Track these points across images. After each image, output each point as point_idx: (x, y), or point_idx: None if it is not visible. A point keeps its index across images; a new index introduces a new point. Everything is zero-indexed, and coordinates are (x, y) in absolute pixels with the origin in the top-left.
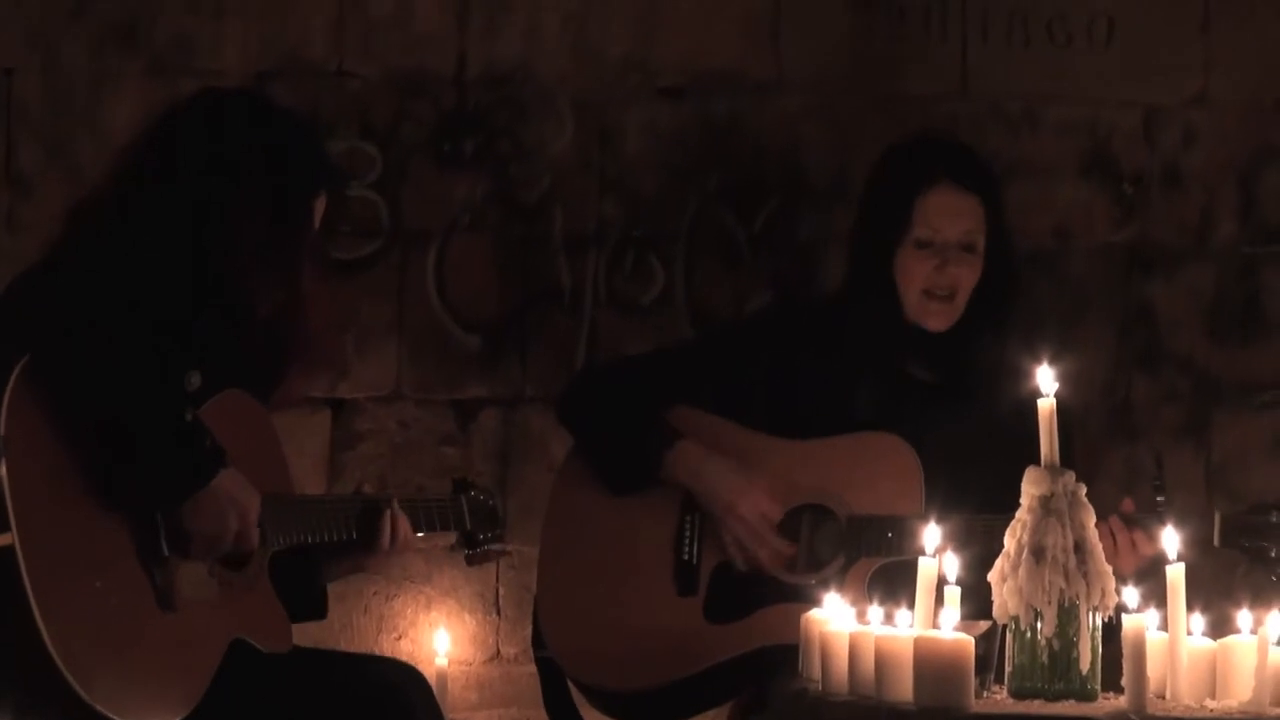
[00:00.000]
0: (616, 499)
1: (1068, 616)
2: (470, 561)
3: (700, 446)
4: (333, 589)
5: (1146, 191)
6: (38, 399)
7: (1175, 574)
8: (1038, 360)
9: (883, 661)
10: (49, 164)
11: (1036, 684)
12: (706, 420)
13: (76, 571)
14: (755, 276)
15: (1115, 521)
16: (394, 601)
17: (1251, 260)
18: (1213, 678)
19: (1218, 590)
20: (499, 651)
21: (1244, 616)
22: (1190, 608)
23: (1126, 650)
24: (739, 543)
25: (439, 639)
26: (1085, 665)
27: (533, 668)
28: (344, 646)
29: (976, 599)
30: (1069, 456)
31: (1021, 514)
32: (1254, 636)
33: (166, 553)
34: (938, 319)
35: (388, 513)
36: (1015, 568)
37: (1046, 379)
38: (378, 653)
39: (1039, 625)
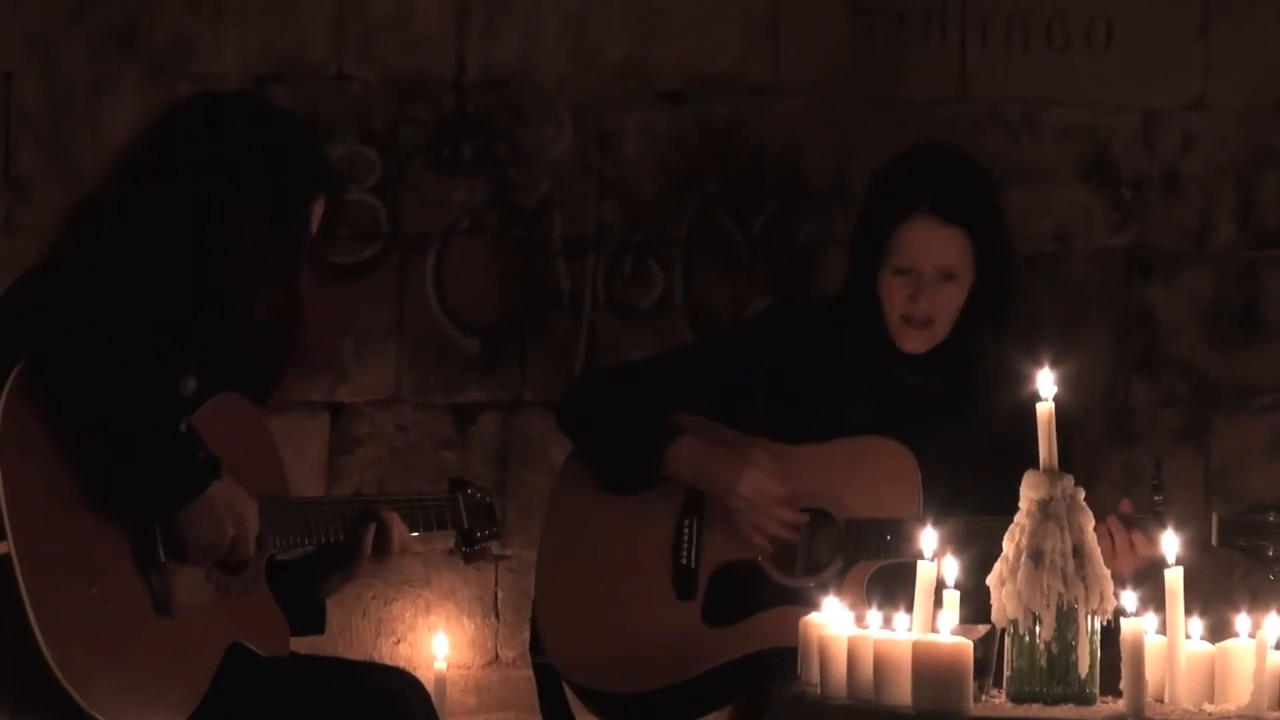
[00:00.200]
0: (615, 502)
1: (1066, 620)
2: (467, 560)
3: (700, 441)
4: None
5: (1146, 195)
6: (34, 403)
7: (1174, 578)
8: (1037, 364)
9: (881, 665)
10: (48, 166)
11: (1035, 688)
12: (705, 426)
13: (73, 577)
14: (754, 280)
15: (1114, 522)
16: (392, 605)
17: (1251, 264)
18: (1211, 681)
19: (1216, 594)
20: (497, 655)
21: (1242, 620)
22: (1189, 611)
23: (1125, 654)
24: (750, 523)
25: (437, 643)
26: (1084, 669)
27: (531, 672)
28: (343, 651)
29: (975, 603)
30: (1068, 460)
31: (1020, 518)
32: (1252, 640)
33: (163, 558)
34: (914, 343)
35: (372, 526)
36: (1014, 571)
37: (1045, 383)
38: (376, 657)
39: (1037, 629)
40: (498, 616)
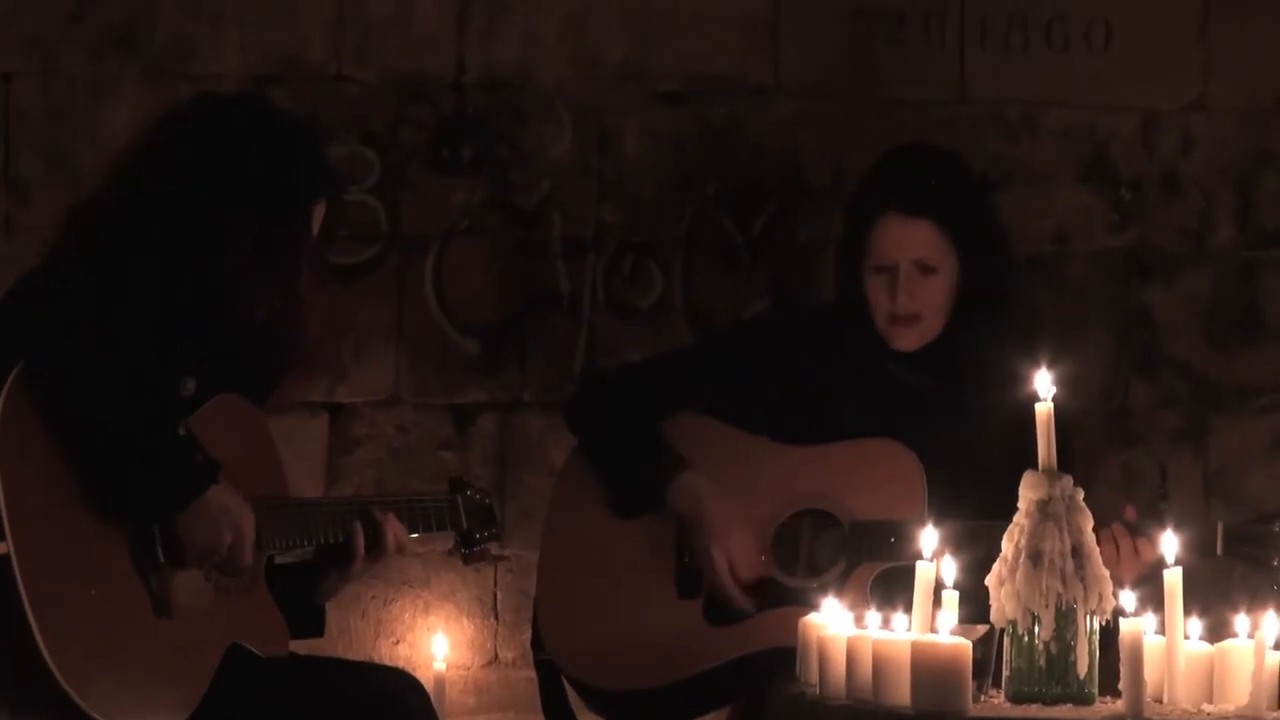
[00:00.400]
0: None
1: (1065, 620)
2: (466, 561)
3: (704, 480)
4: None
5: (1145, 196)
6: (34, 404)
7: (1172, 578)
8: (1036, 365)
9: (880, 666)
10: (47, 168)
11: (1034, 688)
12: (710, 426)
13: (72, 579)
14: (754, 280)
15: (1118, 529)
16: (392, 606)
17: (1250, 264)
18: (1210, 682)
19: (1215, 594)
20: (497, 656)
21: (1241, 620)
22: (1187, 612)
23: (1124, 654)
24: (711, 577)
25: (437, 643)
26: (1083, 669)
27: (530, 672)
28: (342, 651)
29: (974, 603)
30: (1067, 461)
31: (1019, 518)
32: (1251, 640)
33: (162, 560)
34: (905, 340)
35: (366, 526)
36: (1013, 572)
37: (1045, 383)
38: (375, 657)
39: (1036, 629)
40: (497, 617)
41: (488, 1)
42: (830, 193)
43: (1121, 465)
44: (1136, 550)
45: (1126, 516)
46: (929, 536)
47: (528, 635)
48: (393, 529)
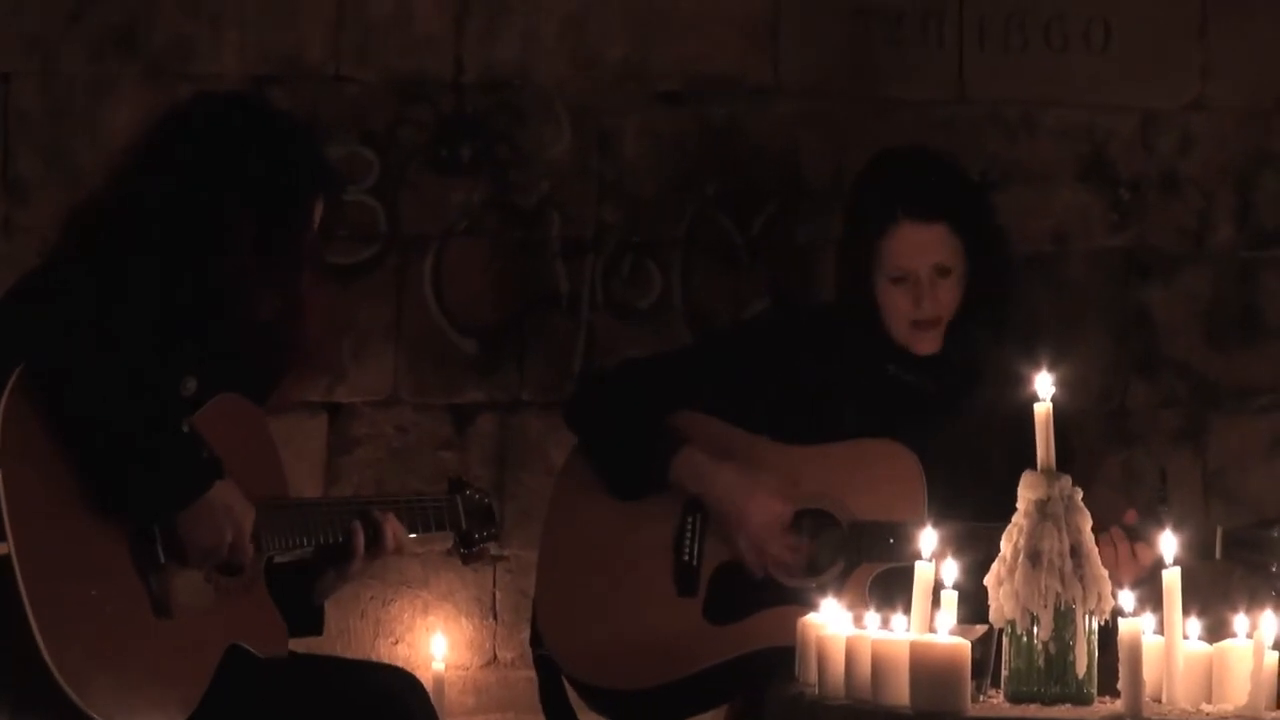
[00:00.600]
0: (618, 499)
1: (1064, 620)
2: (465, 561)
3: (705, 453)
4: None
5: (1144, 196)
6: (35, 405)
7: (1171, 578)
8: (1035, 365)
9: (879, 666)
10: (47, 168)
11: (1033, 688)
12: (710, 424)
13: (72, 579)
14: (753, 280)
15: (1117, 532)
16: (391, 606)
17: (1249, 264)
18: (1209, 681)
19: (1214, 594)
20: (495, 656)
21: (1240, 620)
22: (1186, 612)
23: (1122, 654)
24: (755, 548)
25: (436, 644)
26: (1081, 669)
27: (529, 672)
28: (341, 651)
29: (973, 603)
30: (1067, 461)
31: (1018, 518)
32: (1250, 640)
33: (163, 560)
34: (925, 344)
35: (365, 525)
36: (1011, 572)
37: (1044, 384)
38: (374, 657)
39: (1035, 629)
40: (496, 617)
41: (487, 1)
42: (830, 193)
43: (1121, 465)
44: (1135, 554)
45: (1126, 520)
46: (928, 537)
47: (526, 635)
48: (392, 529)
